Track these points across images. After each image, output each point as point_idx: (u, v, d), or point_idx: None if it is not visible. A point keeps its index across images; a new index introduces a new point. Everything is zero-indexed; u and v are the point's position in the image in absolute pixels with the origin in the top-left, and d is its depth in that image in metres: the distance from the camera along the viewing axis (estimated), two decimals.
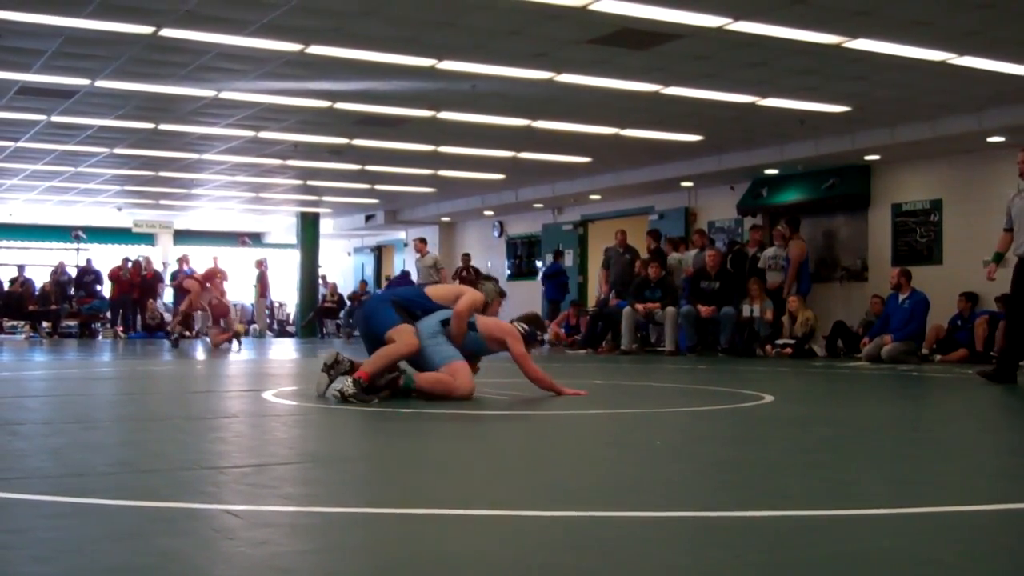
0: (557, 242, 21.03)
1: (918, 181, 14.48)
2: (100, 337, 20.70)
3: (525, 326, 6.42)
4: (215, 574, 2.06)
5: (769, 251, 14.54)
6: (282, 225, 27.44)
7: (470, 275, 20.48)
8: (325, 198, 22.11)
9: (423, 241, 18.58)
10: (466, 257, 21.23)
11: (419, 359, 6.11)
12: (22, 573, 2.04)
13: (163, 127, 13.58)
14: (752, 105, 11.89)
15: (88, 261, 22.97)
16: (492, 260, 23.42)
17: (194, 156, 16.03)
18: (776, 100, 11.71)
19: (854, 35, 9.03)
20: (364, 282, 24.97)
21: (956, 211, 13.80)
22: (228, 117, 12.96)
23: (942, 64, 9.90)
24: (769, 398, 6.54)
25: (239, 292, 24.24)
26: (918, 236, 14.31)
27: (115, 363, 11.26)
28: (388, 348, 5.95)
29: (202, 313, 16.60)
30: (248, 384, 8.04)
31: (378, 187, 19.98)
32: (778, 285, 14.00)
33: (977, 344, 12.10)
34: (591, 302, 18.17)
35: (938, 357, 12.43)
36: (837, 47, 9.34)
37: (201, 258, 22.27)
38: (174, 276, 22.23)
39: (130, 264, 21.53)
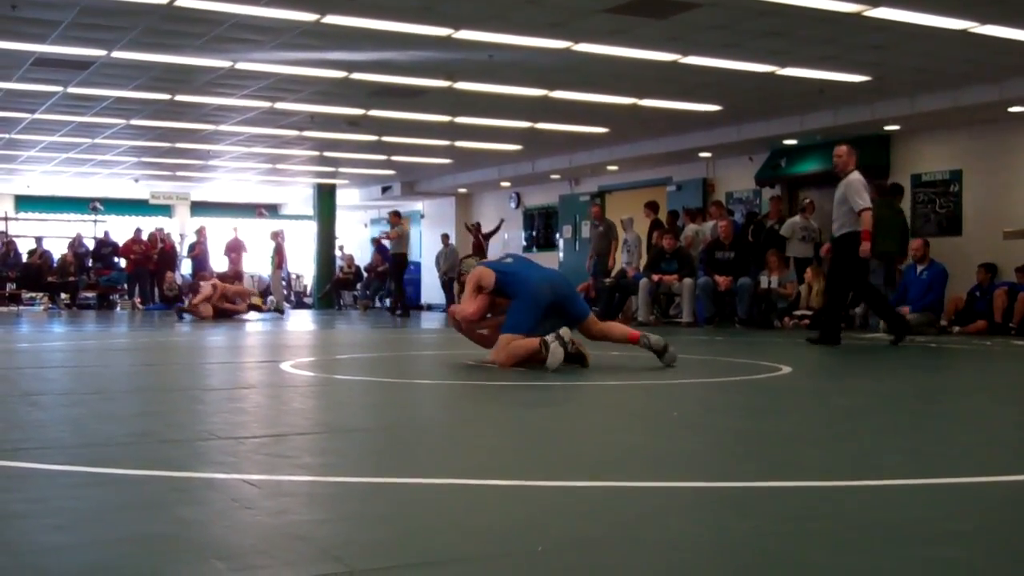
0: (574, 213, 20.98)
1: (938, 151, 14.34)
2: (118, 309, 20.80)
3: None
4: (233, 543, 2.07)
5: (797, 220, 14.01)
6: (299, 196, 27.46)
7: (479, 240, 20.81)
8: (342, 169, 22.10)
9: (397, 214, 18.67)
10: (476, 226, 21.49)
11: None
12: (42, 541, 2.05)
13: (179, 98, 13.58)
14: (771, 75, 11.79)
15: (106, 233, 23.05)
16: (509, 231, 23.39)
17: (211, 127, 16.04)
18: (795, 70, 11.60)
19: (875, 3, 8.93)
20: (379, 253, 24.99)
21: (976, 182, 13.66)
22: (244, 88, 12.94)
23: (964, 33, 9.78)
24: (786, 369, 6.51)
25: (256, 264, 24.35)
26: (937, 207, 14.20)
27: (133, 335, 11.32)
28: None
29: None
30: (266, 355, 8.07)
31: (395, 158, 19.96)
32: (809, 256, 13.71)
33: (996, 315, 12.01)
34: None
35: (956, 328, 12.36)
36: (857, 15, 9.23)
37: (220, 230, 22.33)
38: (192, 247, 22.32)
39: (143, 236, 21.57)
